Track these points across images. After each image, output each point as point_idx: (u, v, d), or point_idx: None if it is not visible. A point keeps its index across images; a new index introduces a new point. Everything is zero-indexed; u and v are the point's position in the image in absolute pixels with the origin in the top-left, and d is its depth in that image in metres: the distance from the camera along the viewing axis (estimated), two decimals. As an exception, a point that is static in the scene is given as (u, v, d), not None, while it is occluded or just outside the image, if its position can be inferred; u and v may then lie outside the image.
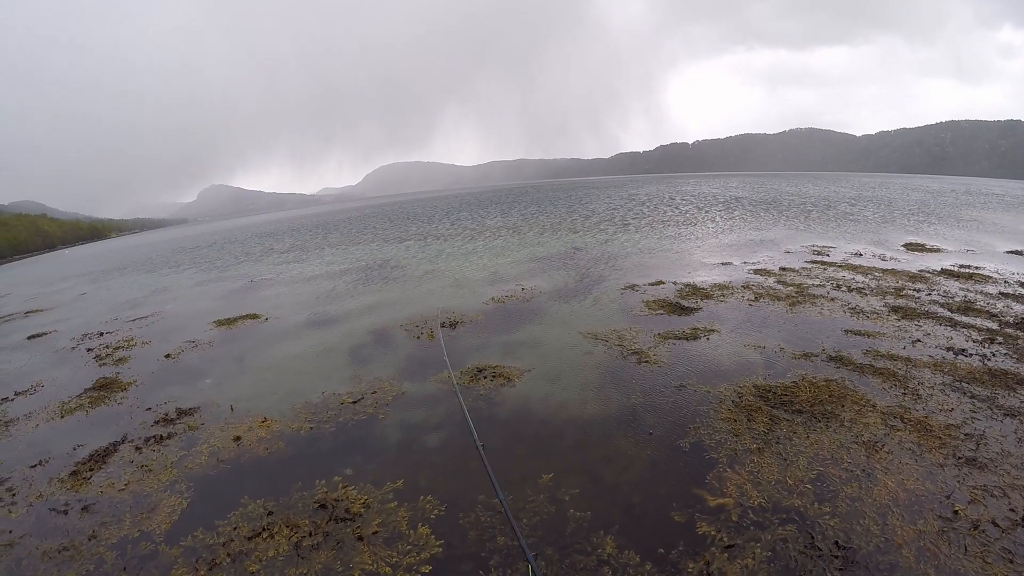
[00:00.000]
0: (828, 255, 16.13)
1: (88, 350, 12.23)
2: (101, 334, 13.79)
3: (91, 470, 6.43)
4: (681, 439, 5.74)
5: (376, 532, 4.68)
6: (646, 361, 8.03)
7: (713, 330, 9.27)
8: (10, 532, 5.40)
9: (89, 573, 4.67)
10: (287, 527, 4.86)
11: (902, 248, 17.24)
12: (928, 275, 12.92)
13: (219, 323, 13.21)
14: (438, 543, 4.48)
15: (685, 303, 11.04)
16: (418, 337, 10.21)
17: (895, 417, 5.90)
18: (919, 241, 18.58)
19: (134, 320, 15.13)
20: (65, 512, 5.63)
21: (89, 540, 5.08)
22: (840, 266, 14.21)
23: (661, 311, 10.63)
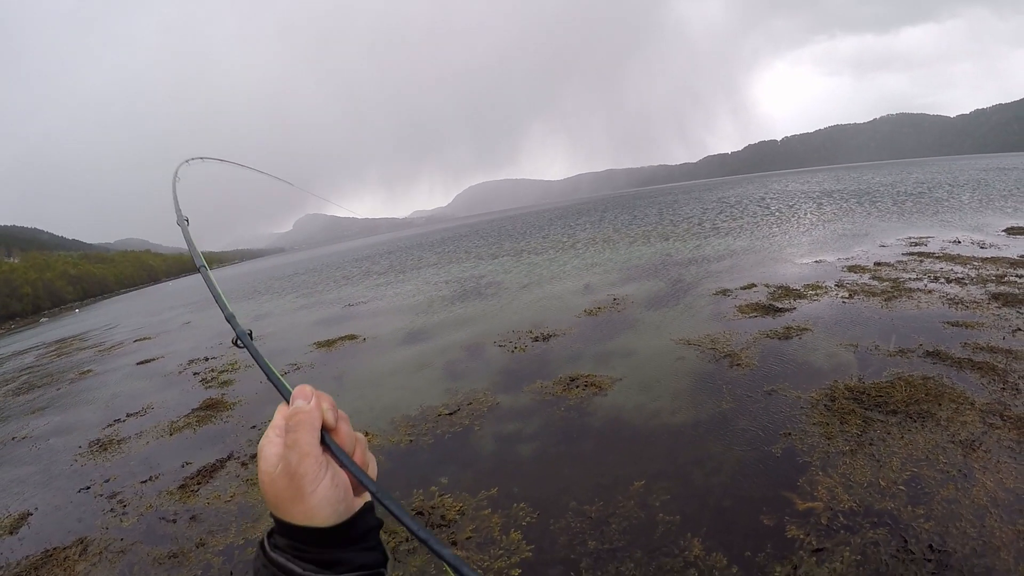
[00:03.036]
0: (925, 245, 15.21)
1: (194, 374, 13.17)
2: (206, 359, 14.80)
3: (198, 484, 6.94)
4: (772, 443, 5.62)
5: (469, 537, 4.85)
6: (738, 364, 7.89)
7: (806, 329, 9.01)
8: (122, 540, 5.94)
9: (197, 577, 5.09)
10: (384, 533, 5.08)
11: (1002, 232, 16.04)
12: (1030, 258, 12.05)
13: (319, 344, 13.93)
14: (529, 548, 4.59)
15: (778, 304, 10.75)
16: (512, 351, 10.42)
17: (994, 414, 5.54)
18: (1020, 224, 17.27)
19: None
20: (174, 521, 6.13)
21: (197, 547, 5.50)
22: (937, 257, 13.37)
23: (754, 314, 10.41)
